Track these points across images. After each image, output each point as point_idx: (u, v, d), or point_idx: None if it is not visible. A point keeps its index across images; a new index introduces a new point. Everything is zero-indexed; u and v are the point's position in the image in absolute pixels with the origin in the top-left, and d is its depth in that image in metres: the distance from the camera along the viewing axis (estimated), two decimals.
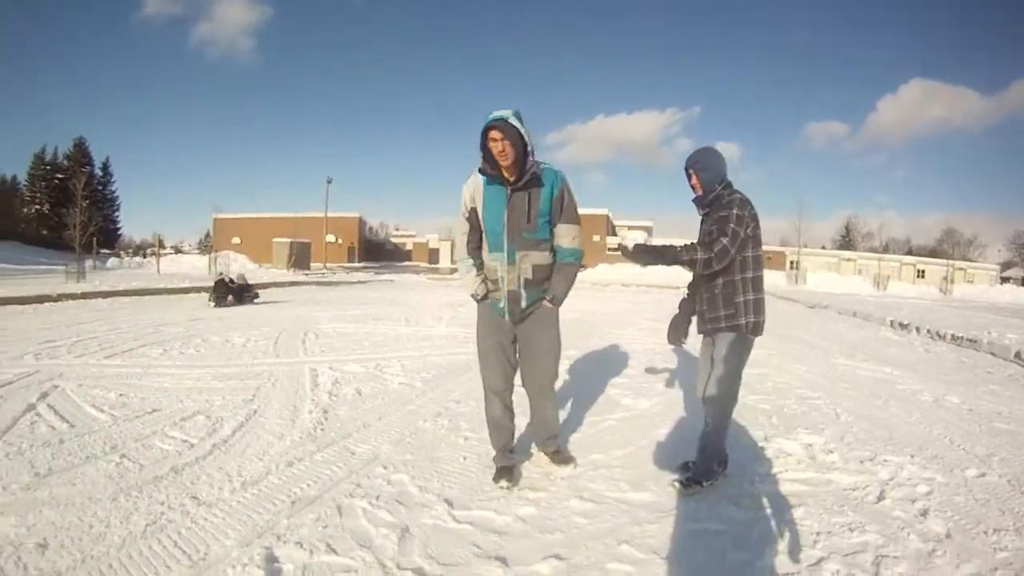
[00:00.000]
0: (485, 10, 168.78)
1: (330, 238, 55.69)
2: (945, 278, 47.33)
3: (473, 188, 3.37)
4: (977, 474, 3.80)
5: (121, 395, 5.18)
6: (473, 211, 3.38)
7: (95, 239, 31.49)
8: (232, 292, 14.46)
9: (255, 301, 15.14)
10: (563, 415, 4.68)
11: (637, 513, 3.16)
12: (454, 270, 44.45)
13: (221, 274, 16.56)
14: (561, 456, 3.76)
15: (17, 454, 3.71)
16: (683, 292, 3.78)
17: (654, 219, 73.82)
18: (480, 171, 3.30)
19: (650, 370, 6.98)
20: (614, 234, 62.39)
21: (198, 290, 18.20)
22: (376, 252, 75.96)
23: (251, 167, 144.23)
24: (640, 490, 3.45)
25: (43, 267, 29.99)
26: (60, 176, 53.96)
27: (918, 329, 12.47)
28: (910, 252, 79.30)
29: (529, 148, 3.19)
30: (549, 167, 3.32)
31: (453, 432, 4.47)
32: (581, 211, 3.46)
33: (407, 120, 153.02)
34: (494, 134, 3.11)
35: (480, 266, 3.45)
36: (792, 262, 53.86)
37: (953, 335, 11.10)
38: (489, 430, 3.59)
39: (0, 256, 33.69)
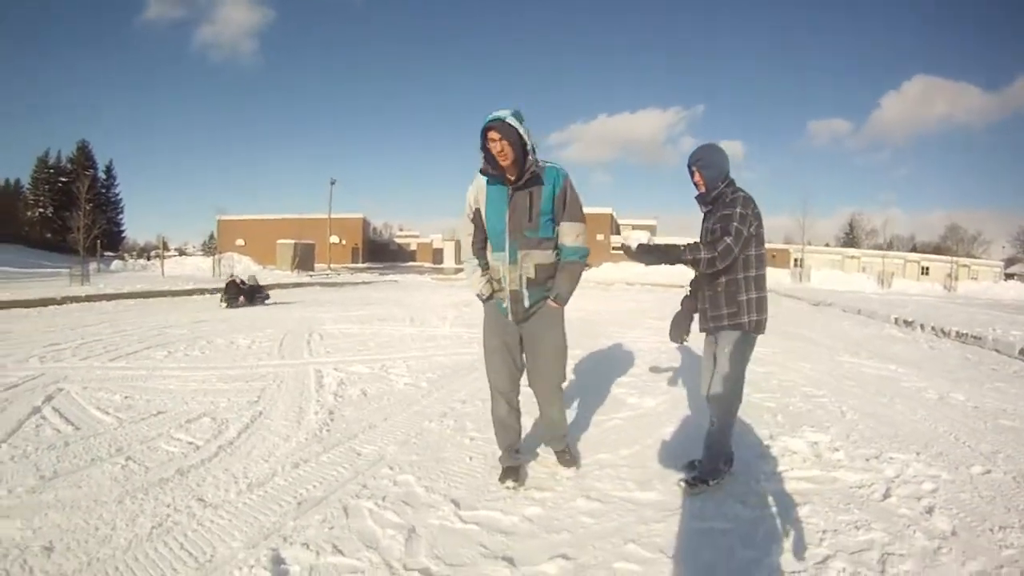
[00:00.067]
0: (486, 10, 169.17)
1: (334, 239, 55.77)
2: (949, 275, 47.21)
3: (476, 189, 3.38)
4: (982, 471, 3.79)
5: (126, 397, 5.18)
6: (477, 212, 3.38)
7: (99, 242, 31.56)
8: (243, 293, 14.59)
9: (266, 302, 15.26)
10: (570, 414, 4.67)
11: (644, 512, 3.16)
12: (459, 270, 44.51)
13: (232, 276, 16.65)
14: (567, 457, 3.74)
15: (22, 457, 3.72)
16: (686, 290, 3.78)
17: (658, 218, 73.93)
18: (481, 172, 3.30)
19: (655, 369, 6.97)
20: (618, 233, 62.44)
21: (202, 292, 18.25)
22: (380, 253, 76.10)
23: (254, 169, 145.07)
24: (646, 489, 3.45)
25: (47, 270, 30.05)
26: (63, 179, 54.16)
27: (923, 326, 12.45)
28: (914, 249, 79.24)
29: (529, 147, 3.18)
30: (552, 165, 3.32)
31: (459, 432, 4.46)
32: (585, 210, 3.44)
33: (410, 120, 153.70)
34: (492, 135, 3.11)
35: (486, 266, 3.45)
36: (796, 260, 53.81)
37: (958, 332, 11.07)
38: (495, 430, 3.58)
39: (4, 259, 33.75)
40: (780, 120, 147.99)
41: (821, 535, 2.91)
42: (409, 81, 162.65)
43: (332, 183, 47.71)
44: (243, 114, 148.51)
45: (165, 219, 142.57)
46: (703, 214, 3.57)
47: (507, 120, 3.10)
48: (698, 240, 3.45)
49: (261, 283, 16.22)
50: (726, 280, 3.37)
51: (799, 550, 2.77)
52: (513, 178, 3.23)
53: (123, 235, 66.57)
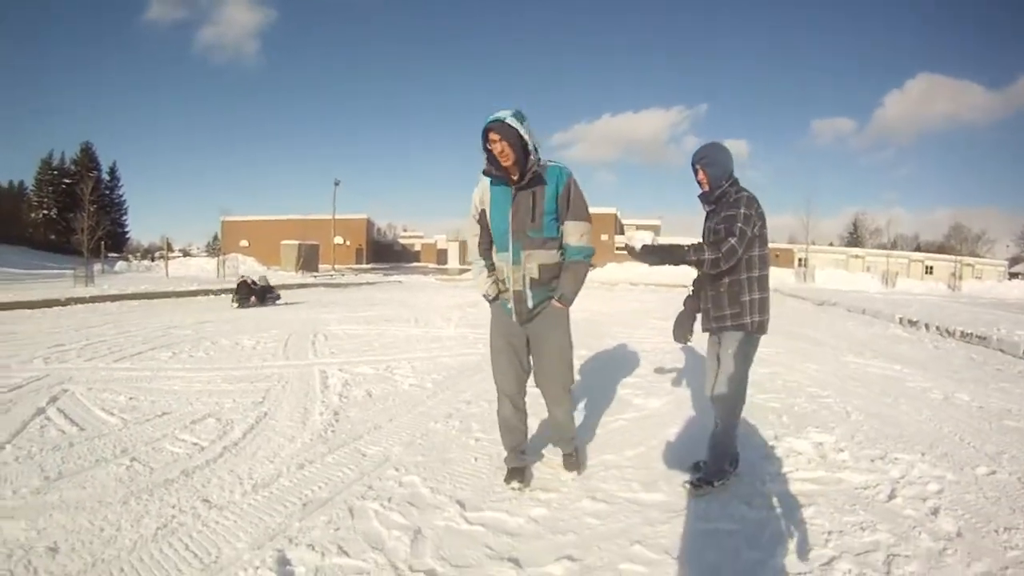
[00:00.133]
0: (488, 11, 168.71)
1: (338, 240, 55.89)
2: (953, 274, 47.06)
3: (481, 190, 3.38)
4: (987, 472, 3.78)
5: (131, 398, 5.19)
6: (483, 212, 3.38)
7: (103, 243, 31.55)
8: (255, 293, 14.75)
9: (277, 302, 15.38)
10: (576, 416, 4.64)
11: (649, 513, 3.15)
12: (463, 271, 44.60)
13: (243, 276, 16.82)
14: (572, 460, 3.71)
15: (27, 458, 3.72)
16: (689, 290, 3.77)
17: (662, 217, 73.72)
18: (484, 172, 3.30)
19: (659, 370, 6.96)
20: (622, 233, 62.33)
21: (206, 293, 18.29)
22: (384, 253, 76.21)
23: (258, 170, 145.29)
24: (652, 490, 3.44)
25: (51, 271, 30.13)
26: (67, 181, 54.29)
27: (927, 326, 12.41)
28: (918, 248, 79.09)
29: (530, 147, 3.18)
30: (555, 164, 3.31)
31: (464, 433, 4.46)
32: (590, 210, 3.43)
33: (414, 121, 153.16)
34: (492, 136, 3.12)
35: (492, 267, 3.44)
36: (800, 259, 53.70)
37: (962, 332, 11.04)
38: (500, 431, 3.58)
39: (8, 261, 33.86)
40: (784, 119, 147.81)
41: (826, 536, 2.91)
42: (413, 81, 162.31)
43: (336, 184, 47.75)
44: (247, 115, 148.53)
45: (169, 220, 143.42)
46: (706, 213, 3.56)
47: (506, 121, 3.10)
48: (702, 240, 3.44)
49: (272, 283, 16.32)
50: (729, 280, 3.36)
51: (804, 551, 2.77)
52: (516, 178, 3.22)
53: (127, 236, 66.82)
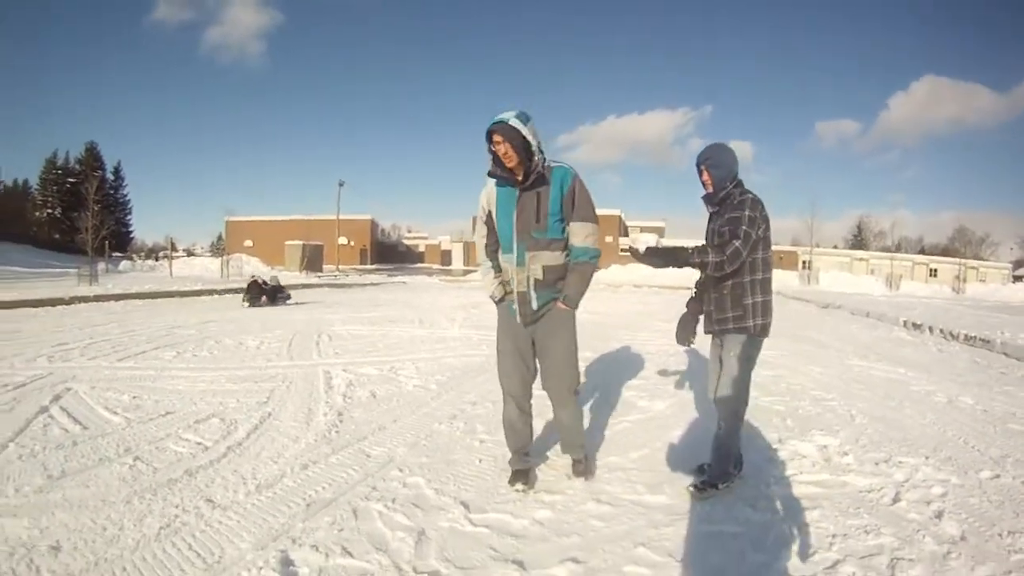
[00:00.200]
0: (494, 11, 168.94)
1: (342, 240, 55.92)
2: (957, 277, 47.01)
3: (488, 192, 3.38)
4: (991, 476, 3.76)
5: (134, 397, 5.20)
6: (490, 214, 3.38)
7: (107, 242, 31.65)
8: (266, 293, 14.94)
9: (287, 302, 15.54)
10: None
11: (654, 516, 3.14)
12: (467, 272, 44.60)
13: (254, 276, 16.98)
14: (580, 467, 3.65)
15: (30, 456, 3.73)
16: (692, 292, 3.76)
17: (666, 219, 73.90)
18: (489, 174, 3.29)
19: (663, 372, 6.96)
20: (626, 235, 62.26)
21: (211, 293, 18.34)
22: (388, 254, 76.20)
23: (263, 170, 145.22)
24: (656, 493, 3.43)
25: (55, 270, 30.22)
26: (72, 180, 54.32)
27: (931, 329, 12.38)
28: (922, 251, 78.87)
29: (534, 148, 3.16)
30: (560, 165, 3.29)
31: (469, 435, 4.45)
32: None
33: (419, 122, 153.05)
34: (496, 137, 3.11)
35: (499, 268, 3.44)
36: (804, 262, 53.67)
37: (966, 335, 11.00)
38: (505, 433, 3.56)
39: (12, 259, 33.95)
40: (788, 121, 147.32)
41: (831, 539, 2.90)
42: (418, 82, 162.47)
43: (341, 184, 47.75)
44: (251, 115, 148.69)
45: (173, 220, 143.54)
46: (709, 214, 3.55)
47: (510, 122, 3.09)
48: (705, 242, 3.43)
49: (283, 284, 16.49)
50: (732, 283, 3.36)
51: (809, 555, 2.76)
52: (520, 179, 3.21)
53: (131, 236, 66.81)
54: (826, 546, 2.83)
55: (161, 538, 2.74)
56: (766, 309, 3.37)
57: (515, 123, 3.09)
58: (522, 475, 3.48)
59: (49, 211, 55.85)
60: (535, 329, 3.37)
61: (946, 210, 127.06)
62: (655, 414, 5.14)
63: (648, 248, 3.26)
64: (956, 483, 3.61)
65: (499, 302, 3.46)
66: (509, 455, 3.58)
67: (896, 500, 3.36)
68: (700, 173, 3.45)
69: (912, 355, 9.23)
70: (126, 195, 64.24)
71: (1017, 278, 59.02)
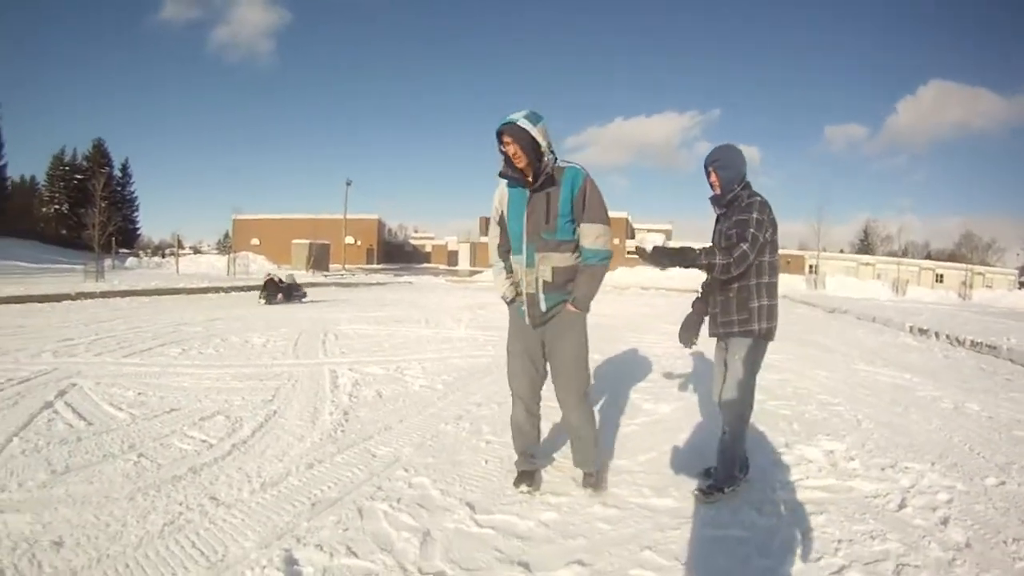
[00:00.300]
0: (502, 12, 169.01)
1: (349, 240, 55.99)
2: (964, 283, 46.87)
3: (500, 192, 3.37)
4: (997, 483, 3.75)
5: (139, 394, 5.20)
6: (502, 215, 3.37)
7: (114, 239, 31.80)
8: (282, 291, 15.19)
9: (303, 300, 15.73)
10: None
11: (660, 519, 3.13)
12: (474, 272, 44.59)
13: (270, 274, 17.17)
14: (592, 480, 3.52)
15: (34, 451, 3.73)
16: (698, 293, 3.74)
17: (673, 222, 73.77)
18: (500, 175, 3.27)
19: (668, 375, 6.95)
20: (633, 237, 62.19)
21: (217, 290, 18.38)
22: (395, 254, 76.33)
23: (270, 168, 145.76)
24: (663, 496, 3.42)
25: (62, 266, 30.37)
26: (79, 177, 54.68)
27: (937, 335, 12.33)
28: (929, 256, 78.55)
29: (544, 148, 3.14)
30: (572, 165, 3.25)
31: (475, 435, 4.44)
32: None
33: (427, 122, 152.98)
34: (505, 138, 3.10)
35: (510, 269, 3.42)
36: (811, 266, 53.59)
37: (972, 341, 10.95)
38: (512, 434, 3.55)
39: (19, 255, 34.08)
40: (797, 125, 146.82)
41: (836, 545, 2.88)
42: (426, 82, 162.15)
43: (348, 184, 47.95)
44: (259, 113, 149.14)
45: (180, 217, 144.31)
46: (716, 216, 3.53)
47: (518, 123, 3.07)
48: (712, 244, 3.41)
49: (299, 281, 16.70)
50: (738, 286, 3.35)
51: (814, 560, 2.75)
52: (531, 180, 3.19)
53: (138, 233, 67.29)
54: (832, 551, 2.82)
55: (164, 535, 2.74)
56: (772, 313, 3.35)
57: (524, 124, 3.07)
58: (528, 476, 3.47)
59: (56, 207, 56.14)
60: (545, 331, 3.34)
61: (953, 215, 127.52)
62: (661, 417, 5.12)
63: (655, 248, 3.23)
64: (962, 489, 3.60)
65: (510, 303, 3.44)
66: (515, 456, 3.57)
67: (902, 506, 3.35)
68: (708, 174, 3.43)
69: (918, 360, 9.19)
70: (133, 192, 64.82)
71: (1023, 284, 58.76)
